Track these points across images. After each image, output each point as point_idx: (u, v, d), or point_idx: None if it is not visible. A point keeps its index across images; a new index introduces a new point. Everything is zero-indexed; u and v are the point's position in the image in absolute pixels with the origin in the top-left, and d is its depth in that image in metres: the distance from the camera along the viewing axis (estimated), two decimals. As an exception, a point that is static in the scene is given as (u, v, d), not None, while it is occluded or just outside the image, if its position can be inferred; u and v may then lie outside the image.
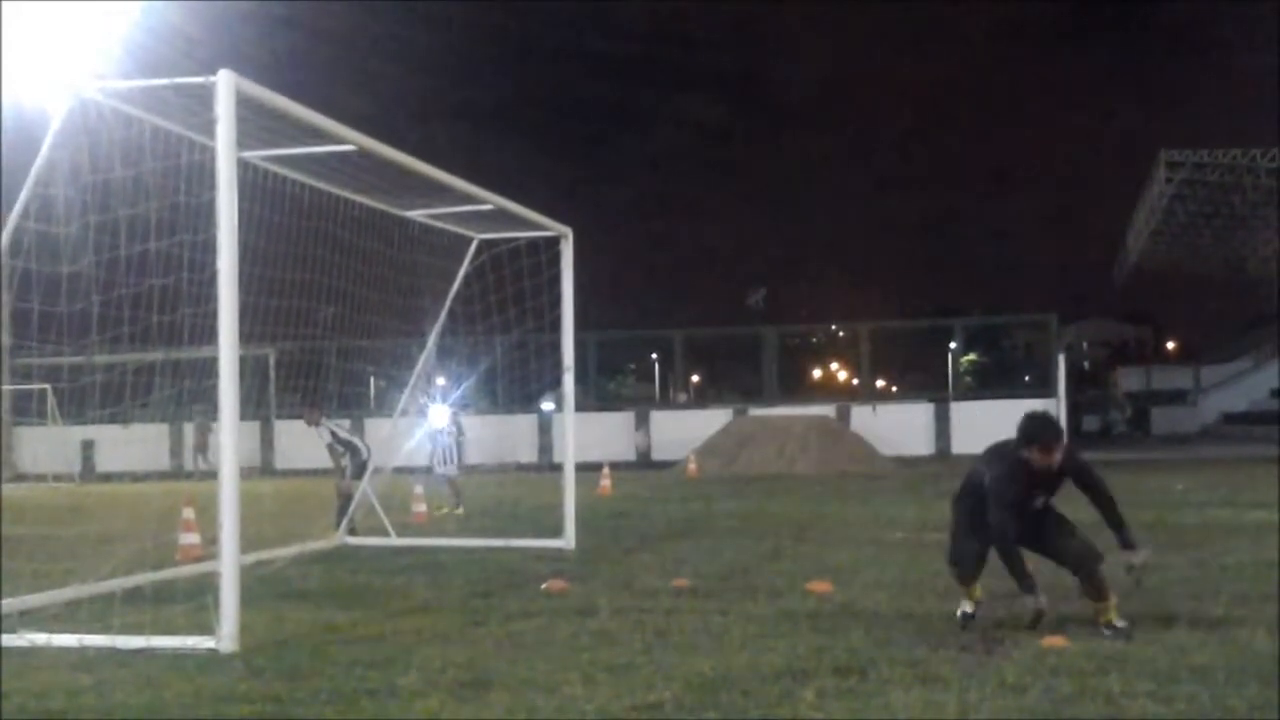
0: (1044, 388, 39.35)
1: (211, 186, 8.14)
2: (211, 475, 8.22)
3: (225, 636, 7.74)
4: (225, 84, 8.11)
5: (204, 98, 8.32)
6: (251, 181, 9.98)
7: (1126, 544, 8.29)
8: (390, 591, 10.41)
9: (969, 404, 38.80)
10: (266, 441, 36.62)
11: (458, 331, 15.33)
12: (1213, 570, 10.68)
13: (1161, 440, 51.50)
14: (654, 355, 64.37)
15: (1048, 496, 8.38)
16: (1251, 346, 71.93)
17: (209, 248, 8.13)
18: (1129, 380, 73.04)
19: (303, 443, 33.90)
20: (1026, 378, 54.12)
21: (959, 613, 8.32)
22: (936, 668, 6.86)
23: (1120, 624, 7.90)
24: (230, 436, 8.08)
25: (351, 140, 9.82)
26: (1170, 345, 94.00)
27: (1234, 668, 6.76)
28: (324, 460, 15.12)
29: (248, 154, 9.74)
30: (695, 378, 67.59)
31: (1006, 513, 8.13)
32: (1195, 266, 77.90)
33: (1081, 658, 7.02)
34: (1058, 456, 8.12)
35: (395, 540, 14.04)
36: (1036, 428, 8.15)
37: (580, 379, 34.13)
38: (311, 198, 11.48)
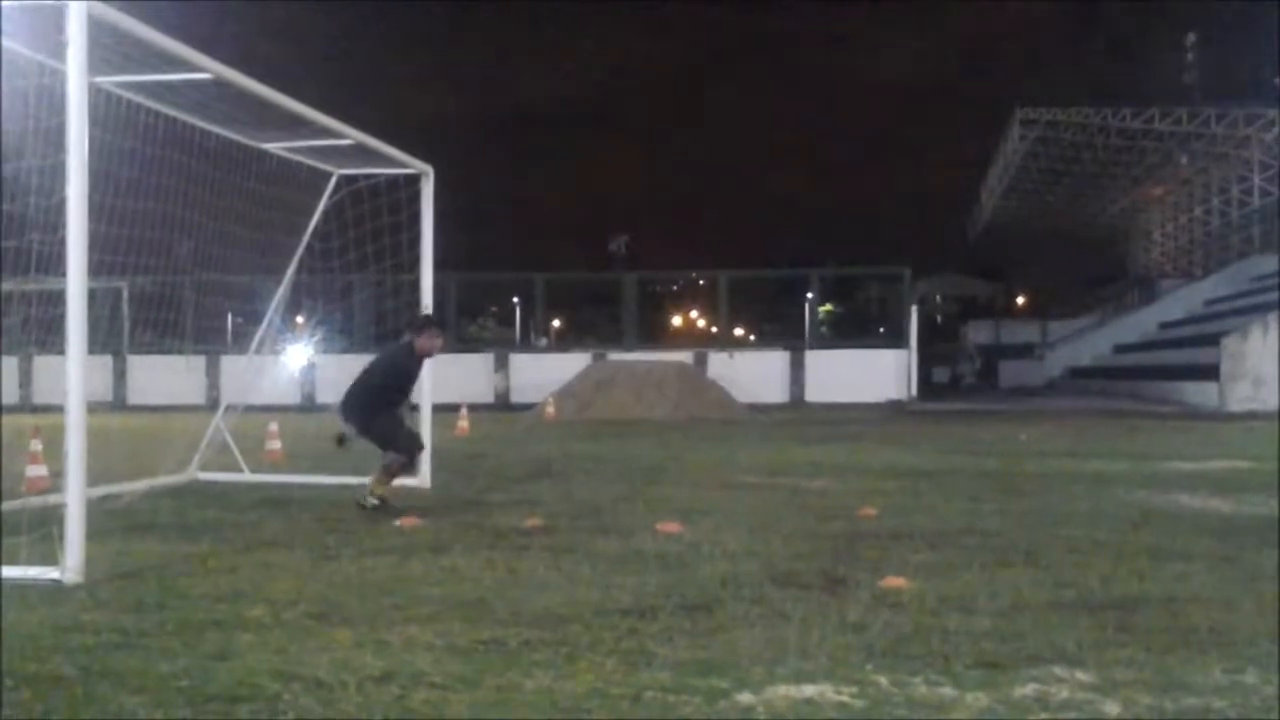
0: (897, 339, 40.04)
1: (62, 111, 7.96)
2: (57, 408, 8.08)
3: (70, 568, 7.65)
4: (77, 7, 7.92)
5: (55, 20, 8.12)
6: (104, 108, 9.76)
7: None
8: (242, 526, 10.35)
9: (823, 353, 39.36)
10: (119, 376, 35.92)
11: (315, 269, 15.15)
12: (1051, 517, 11.03)
13: (1009, 392, 52.71)
14: (515, 298, 64.24)
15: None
16: (1097, 303, 73.87)
17: (58, 173, 7.95)
18: (979, 334, 74.46)
19: (156, 378, 33.51)
20: (881, 329, 55.07)
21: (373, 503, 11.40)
22: (781, 606, 7.02)
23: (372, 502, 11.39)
24: (77, 368, 7.94)
25: (207, 69, 9.65)
26: (1020, 300, 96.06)
27: (1066, 605, 7.05)
28: (178, 396, 14.91)
29: (100, 79, 9.54)
30: (556, 322, 67.64)
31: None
32: (1046, 224, 79.81)
33: (921, 597, 7.24)
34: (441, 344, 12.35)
35: (248, 476, 13.93)
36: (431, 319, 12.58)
37: (440, 320, 33.92)
38: (166, 127, 11.26)
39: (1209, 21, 68.01)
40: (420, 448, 12.51)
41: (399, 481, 12.18)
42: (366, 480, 12.61)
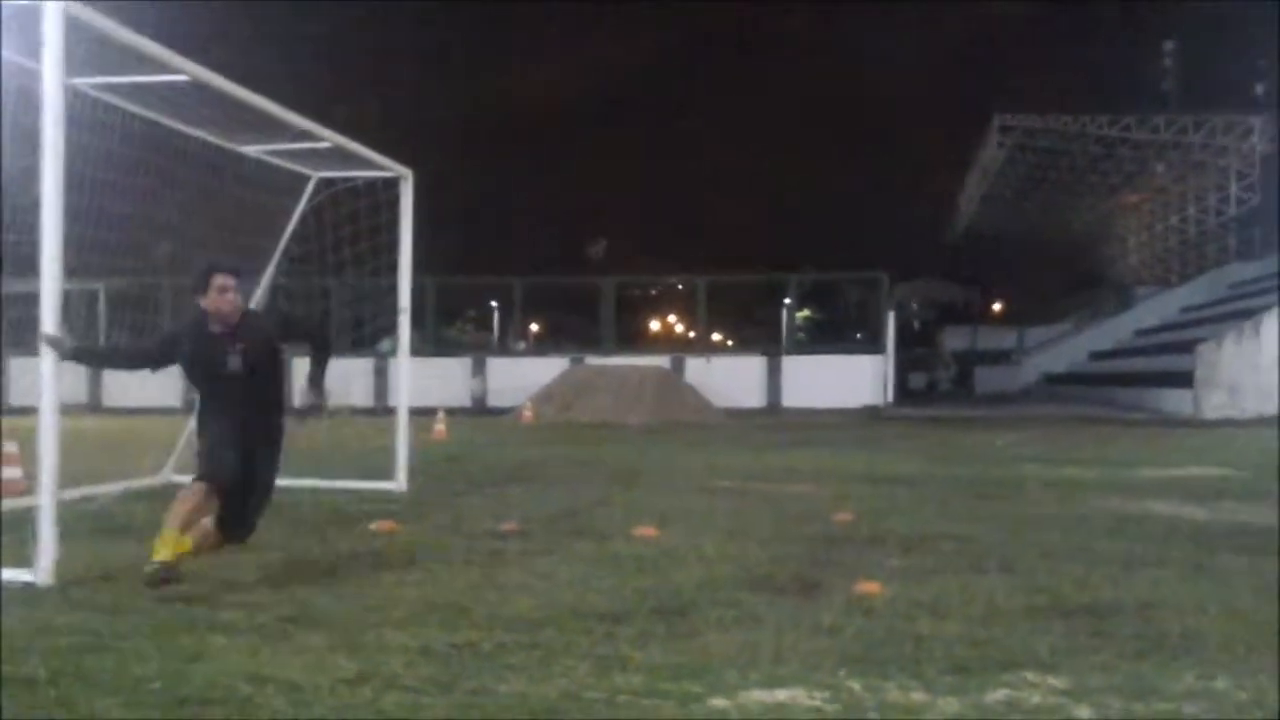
0: (874, 345, 40.07)
1: (37, 112, 7.93)
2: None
3: (42, 570, 7.63)
4: (53, 7, 7.90)
5: (32, 20, 8.09)
6: (80, 109, 9.73)
7: (314, 383, 8.27)
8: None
9: (800, 359, 39.38)
10: (94, 378, 35.68)
11: (293, 272, 15.13)
12: (1025, 523, 11.07)
13: (985, 398, 52.76)
14: (493, 302, 64.16)
15: (245, 361, 7.84)
16: (1073, 310, 74.01)
17: (35, 175, 7.92)
18: (956, 339, 74.49)
19: (131, 381, 33.33)
20: (858, 335, 55.14)
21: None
22: (755, 610, 7.05)
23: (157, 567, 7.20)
24: (50, 370, 7.92)
25: (185, 70, 9.63)
26: (997, 306, 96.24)
27: (1039, 610, 7.09)
28: (153, 399, 14.81)
29: (77, 80, 9.51)
30: (534, 326, 67.58)
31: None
32: (1023, 230, 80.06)
33: (894, 603, 7.27)
34: (233, 296, 7.89)
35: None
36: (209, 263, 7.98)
37: (418, 323, 33.84)
38: (144, 128, 11.24)
39: (1187, 29, 68.35)
40: (220, 477, 7.72)
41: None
42: (340, 484, 12.62)
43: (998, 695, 5.32)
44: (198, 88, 10.14)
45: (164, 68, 9.53)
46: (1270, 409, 32.07)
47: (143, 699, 5.16)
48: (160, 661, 5.73)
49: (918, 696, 5.31)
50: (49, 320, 7.85)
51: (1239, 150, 59.50)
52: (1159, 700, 5.28)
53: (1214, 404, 33.20)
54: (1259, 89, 60.08)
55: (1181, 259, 68.80)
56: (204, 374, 7.94)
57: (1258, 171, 59.04)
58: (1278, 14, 47.01)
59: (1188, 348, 35.92)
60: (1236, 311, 40.10)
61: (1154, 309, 57.41)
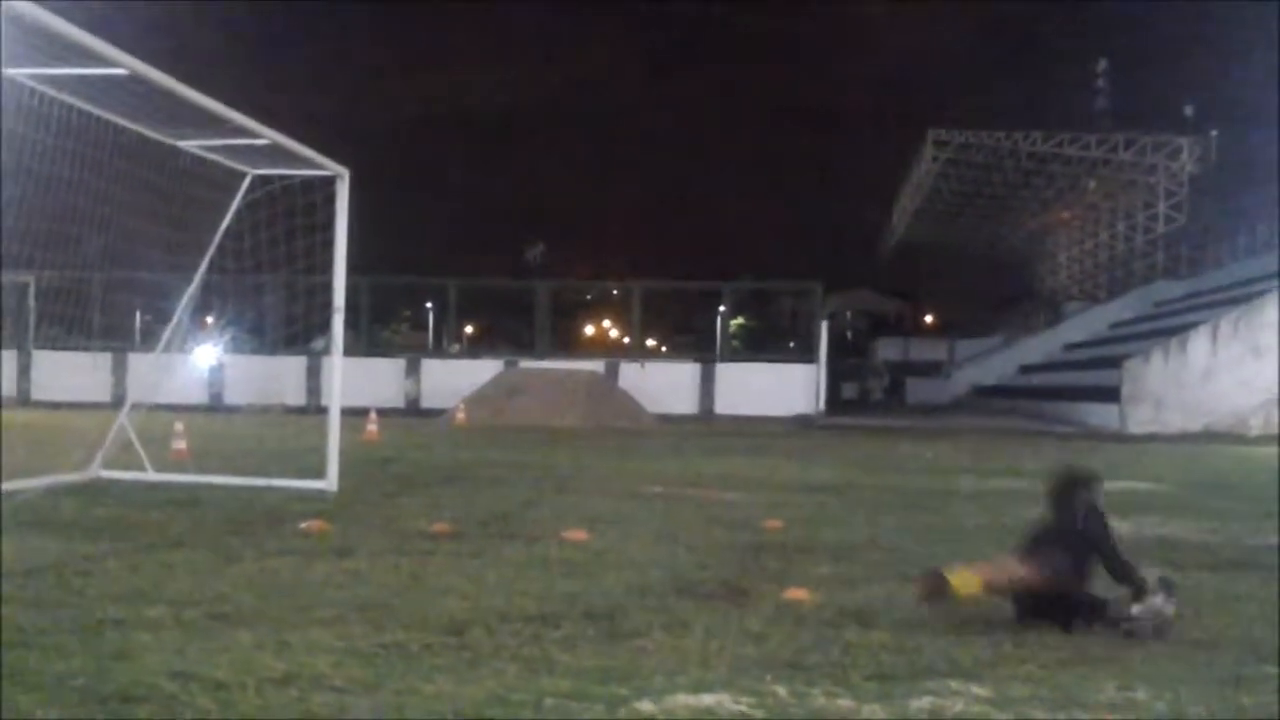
0: (807, 354, 40.25)
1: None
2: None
3: (-33, 564, 7.56)
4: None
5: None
6: (16, 100, 9.64)
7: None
8: (144, 526, 10.23)
9: (734, 366, 39.50)
10: (23, 371, 35.26)
11: (227, 268, 15.01)
12: (952, 533, 11.18)
13: (916, 409, 53.20)
14: (428, 304, 63.95)
15: None
16: (1004, 323, 74.84)
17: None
18: (888, 351, 75.17)
19: (61, 374, 32.98)
20: (791, 344, 55.46)
21: None
22: (684, 615, 7.07)
23: None
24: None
25: (123, 64, 9.56)
26: (929, 319, 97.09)
27: (963, 620, 7.16)
28: (83, 393, 14.71)
29: (14, 71, 9.42)
30: (469, 328, 67.48)
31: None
32: (956, 244, 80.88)
33: (822, 610, 7.33)
34: None
35: (152, 475, 13.76)
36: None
37: (352, 324, 33.68)
38: (81, 121, 11.13)
39: (1120, 50, 69.34)
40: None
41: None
42: (271, 483, 12.51)
43: (922, 703, 5.38)
44: (135, 81, 10.07)
45: (102, 60, 9.47)
46: (1194, 425, 32.58)
47: (66, 696, 5.11)
48: (84, 658, 5.68)
49: (843, 703, 5.36)
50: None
51: (1168, 169, 60.46)
52: (1080, 710, 5.36)
53: (1140, 419, 33.64)
54: (1188, 110, 61.06)
55: (1110, 275, 69.74)
56: None
57: (1186, 191, 60.02)
58: (1207, 38, 47.83)
59: (1115, 363, 36.37)
60: (1163, 328, 40.69)
61: (1083, 324, 58.13)
